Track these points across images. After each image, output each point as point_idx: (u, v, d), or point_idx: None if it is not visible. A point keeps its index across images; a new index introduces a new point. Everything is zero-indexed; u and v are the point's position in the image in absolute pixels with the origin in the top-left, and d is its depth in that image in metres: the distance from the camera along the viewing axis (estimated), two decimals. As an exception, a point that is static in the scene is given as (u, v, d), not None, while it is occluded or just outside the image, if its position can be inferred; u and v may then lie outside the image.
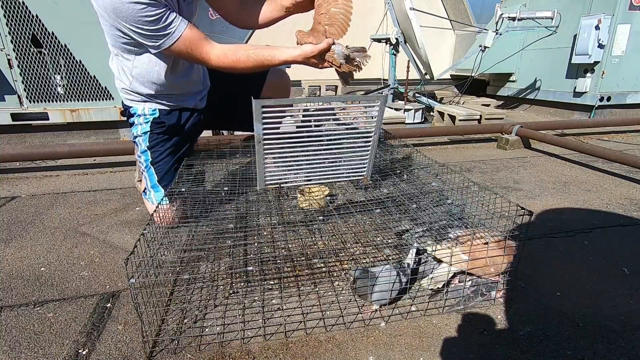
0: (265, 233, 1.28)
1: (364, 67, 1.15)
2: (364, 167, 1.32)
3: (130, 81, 1.26)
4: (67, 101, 2.28)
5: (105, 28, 1.14)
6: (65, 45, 2.16)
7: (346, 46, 1.11)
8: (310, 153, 1.24)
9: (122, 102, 1.36)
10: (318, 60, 1.11)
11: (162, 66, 1.21)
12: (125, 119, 1.41)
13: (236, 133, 2.34)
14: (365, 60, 1.13)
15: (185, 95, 1.35)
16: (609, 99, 3.30)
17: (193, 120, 1.39)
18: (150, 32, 1.07)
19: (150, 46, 1.12)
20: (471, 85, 4.13)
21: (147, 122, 1.30)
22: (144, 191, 1.38)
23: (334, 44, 1.09)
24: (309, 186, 1.38)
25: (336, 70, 1.13)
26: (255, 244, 1.21)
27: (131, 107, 1.32)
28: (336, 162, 1.29)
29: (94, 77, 2.26)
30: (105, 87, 2.29)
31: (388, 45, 3.65)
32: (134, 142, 1.35)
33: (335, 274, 1.07)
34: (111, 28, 1.11)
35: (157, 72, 1.23)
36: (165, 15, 1.06)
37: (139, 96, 1.29)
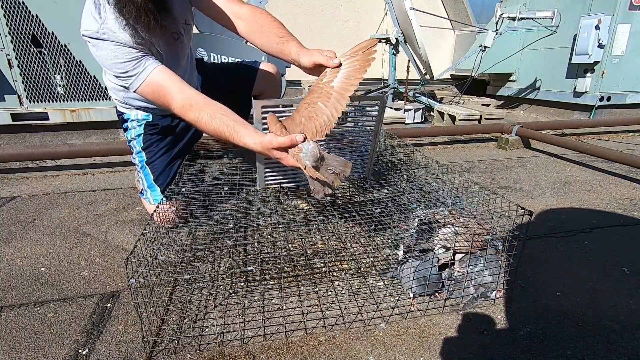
0: (265, 233, 1.28)
1: (337, 186, 0.91)
2: (364, 167, 1.32)
3: (123, 100, 1.30)
4: (67, 101, 2.28)
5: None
6: (65, 45, 2.16)
7: (324, 150, 0.90)
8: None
9: (116, 108, 1.39)
10: (280, 154, 0.90)
11: None
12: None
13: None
14: (344, 174, 0.89)
15: None
16: (609, 99, 3.30)
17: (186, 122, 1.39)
18: (120, 74, 1.06)
19: (125, 88, 1.11)
20: (471, 85, 4.13)
21: (141, 125, 1.33)
22: (141, 192, 1.39)
23: (304, 141, 0.88)
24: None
25: (305, 174, 0.90)
26: (255, 244, 1.21)
27: (124, 113, 1.35)
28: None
29: (94, 77, 2.26)
30: (105, 87, 2.28)
31: (388, 45, 3.65)
32: (129, 145, 1.38)
33: (335, 274, 1.07)
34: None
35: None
36: (137, 59, 1.05)
37: (132, 106, 1.32)
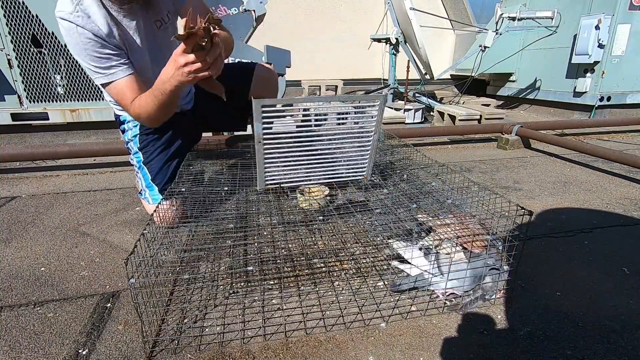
0: (265, 233, 1.28)
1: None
2: (364, 167, 1.32)
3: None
4: (67, 101, 2.28)
5: None
6: (65, 45, 2.16)
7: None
8: (310, 153, 1.24)
9: (114, 111, 1.42)
10: (185, 55, 0.94)
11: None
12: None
13: (236, 133, 2.34)
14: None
15: None
16: (609, 99, 3.30)
17: (181, 121, 1.40)
18: (88, 63, 1.09)
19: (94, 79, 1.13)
20: (471, 85, 4.13)
21: (136, 126, 1.35)
22: (140, 192, 1.40)
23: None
24: (309, 186, 1.38)
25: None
26: (255, 244, 1.21)
27: (120, 115, 1.38)
28: (336, 162, 1.29)
29: (94, 77, 2.26)
30: (105, 87, 2.29)
31: (388, 45, 3.65)
32: (127, 147, 1.40)
33: (335, 274, 1.07)
34: None
35: None
36: (108, 58, 1.08)
37: None
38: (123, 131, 1.39)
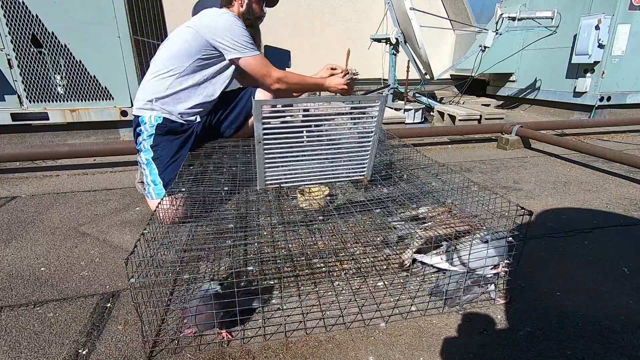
0: (265, 233, 1.28)
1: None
2: (364, 167, 1.32)
3: (156, 102, 1.43)
4: (67, 101, 2.27)
5: (189, 49, 1.42)
6: (65, 45, 2.16)
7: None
8: (310, 153, 1.24)
9: (134, 110, 1.51)
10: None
11: (219, 85, 1.53)
12: (125, 118, 1.58)
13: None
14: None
15: (196, 115, 1.52)
16: (609, 98, 3.30)
17: (193, 128, 1.52)
18: (243, 42, 1.45)
19: (235, 51, 1.45)
20: (471, 85, 4.13)
21: (152, 126, 1.44)
22: (143, 189, 1.44)
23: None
24: (309, 186, 1.38)
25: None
26: (255, 244, 1.21)
27: (140, 116, 1.46)
28: (336, 162, 1.29)
29: (94, 77, 2.26)
30: (105, 87, 2.29)
31: (388, 45, 3.65)
32: (139, 148, 1.47)
33: (335, 274, 1.07)
34: (200, 44, 1.42)
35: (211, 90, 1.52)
36: (253, 42, 1.50)
37: (149, 103, 1.44)
38: (139, 133, 1.46)
